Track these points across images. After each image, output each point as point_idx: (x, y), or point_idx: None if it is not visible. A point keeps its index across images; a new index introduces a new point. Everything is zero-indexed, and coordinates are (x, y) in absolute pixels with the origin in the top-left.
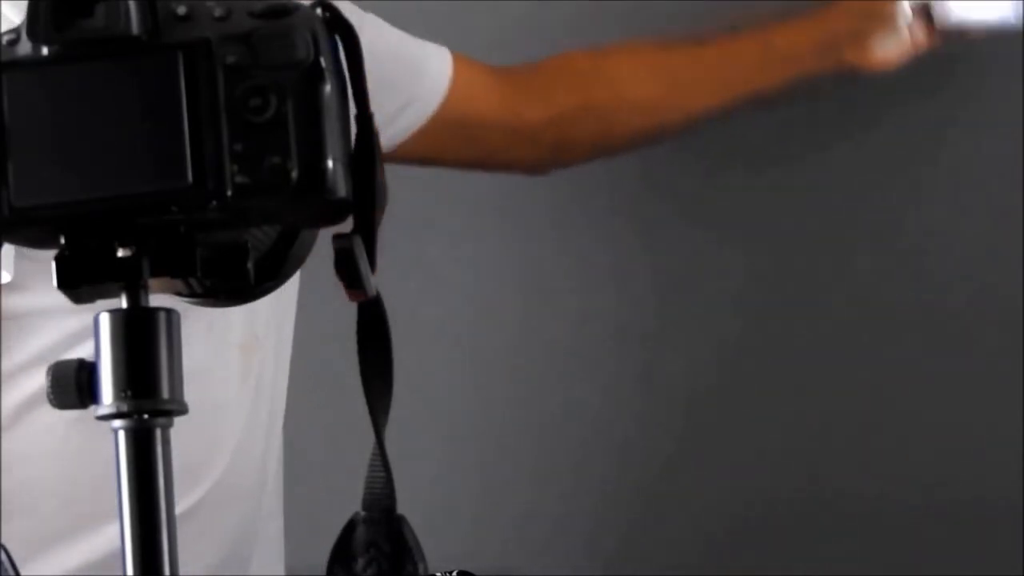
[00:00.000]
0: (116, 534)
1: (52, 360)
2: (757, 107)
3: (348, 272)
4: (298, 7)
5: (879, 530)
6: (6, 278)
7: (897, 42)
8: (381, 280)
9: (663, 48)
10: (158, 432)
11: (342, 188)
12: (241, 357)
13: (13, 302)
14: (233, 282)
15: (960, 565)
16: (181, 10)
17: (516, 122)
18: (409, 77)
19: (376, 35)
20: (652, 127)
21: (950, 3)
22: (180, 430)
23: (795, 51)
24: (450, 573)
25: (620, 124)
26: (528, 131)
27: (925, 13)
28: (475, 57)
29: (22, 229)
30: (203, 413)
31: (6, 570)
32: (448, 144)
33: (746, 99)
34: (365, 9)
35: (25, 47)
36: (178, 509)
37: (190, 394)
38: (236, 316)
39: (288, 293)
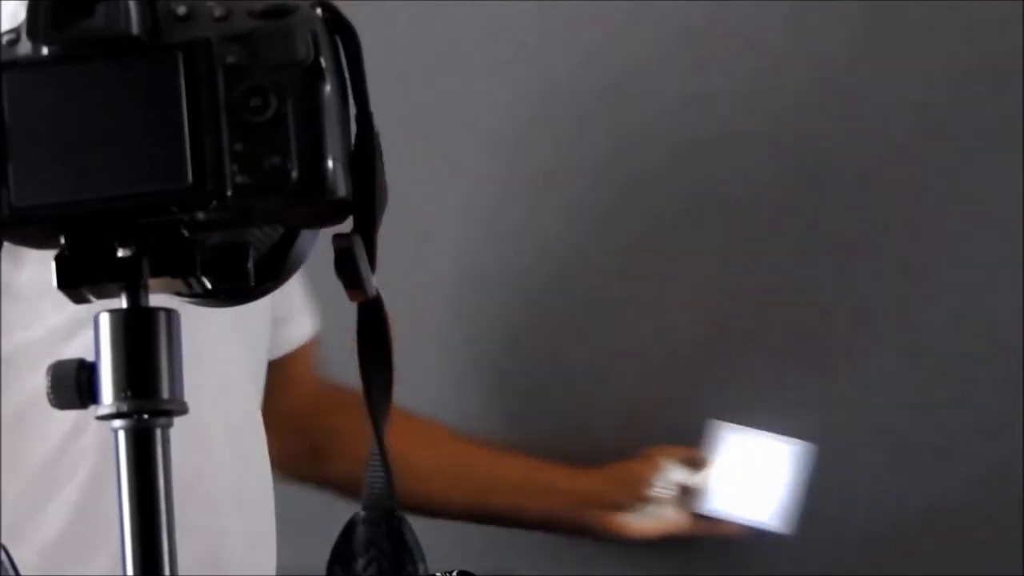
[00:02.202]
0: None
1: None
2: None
3: (348, 272)
4: (298, 7)
5: (879, 530)
6: None
7: (652, 518)
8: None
9: (443, 430)
10: (158, 432)
11: (342, 188)
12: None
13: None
14: (233, 282)
15: (960, 565)
16: (181, 10)
17: (300, 414)
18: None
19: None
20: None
21: (713, 494)
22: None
23: (551, 493)
24: (450, 573)
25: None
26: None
27: (685, 497)
28: (469, 61)
29: (22, 229)
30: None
31: (6, 570)
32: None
33: (489, 514)
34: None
35: (25, 47)
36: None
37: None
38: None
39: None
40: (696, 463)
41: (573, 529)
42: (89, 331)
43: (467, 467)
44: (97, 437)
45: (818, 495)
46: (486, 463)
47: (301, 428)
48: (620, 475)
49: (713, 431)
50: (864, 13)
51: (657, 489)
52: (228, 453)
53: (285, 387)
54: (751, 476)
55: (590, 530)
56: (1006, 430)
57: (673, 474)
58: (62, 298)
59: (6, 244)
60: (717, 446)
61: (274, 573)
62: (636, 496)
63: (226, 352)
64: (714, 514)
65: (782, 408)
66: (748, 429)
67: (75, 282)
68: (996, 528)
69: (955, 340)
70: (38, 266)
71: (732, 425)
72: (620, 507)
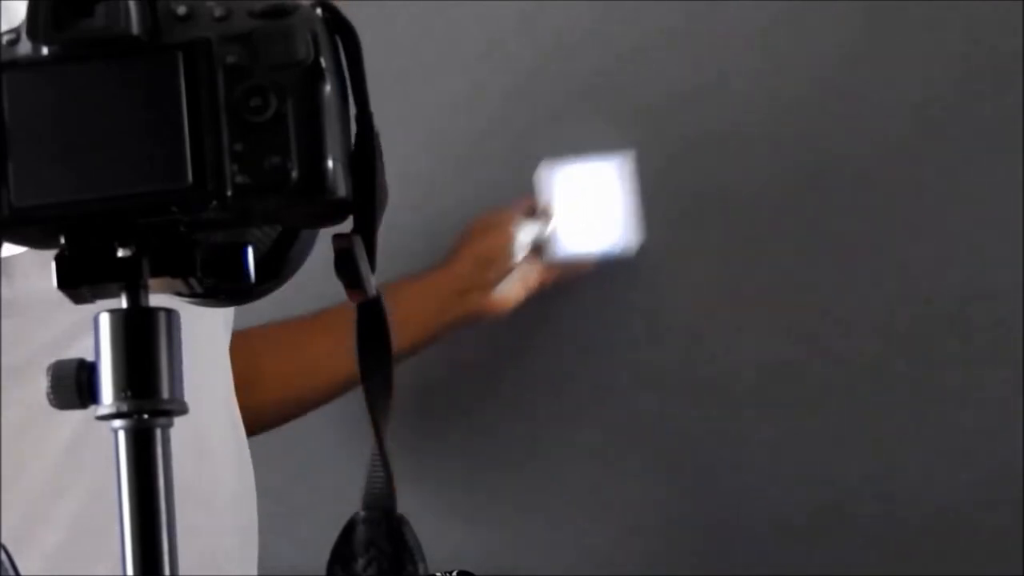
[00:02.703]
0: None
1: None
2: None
3: (348, 272)
4: (298, 7)
5: (879, 530)
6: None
7: (515, 284)
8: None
9: (291, 324)
10: (158, 432)
11: (342, 188)
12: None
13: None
14: (233, 282)
15: (960, 565)
16: (181, 10)
17: None
18: None
19: None
20: (284, 402)
21: (559, 239)
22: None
23: (425, 304)
24: (450, 573)
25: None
26: None
27: (537, 250)
28: (470, 61)
29: (22, 229)
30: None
31: (6, 570)
32: None
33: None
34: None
35: (25, 47)
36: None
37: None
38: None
39: None
40: (540, 212)
41: (458, 324)
42: (85, 340)
43: (327, 345)
44: (99, 447)
45: (818, 495)
46: (346, 321)
47: None
48: (479, 255)
49: (543, 175)
50: (864, 13)
51: (517, 254)
52: (228, 453)
53: None
54: (588, 206)
55: (471, 319)
56: (1006, 430)
57: (525, 232)
58: (59, 309)
59: (3, 256)
60: (551, 188)
61: (255, 572)
62: (502, 270)
63: (225, 352)
64: (565, 256)
65: (779, 407)
66: (573, 161)
67: (75, 282)
68: (996, 528)
69: (955, 340)
70: (34, 278)
71: (558, 162)
72: (490, 285)
